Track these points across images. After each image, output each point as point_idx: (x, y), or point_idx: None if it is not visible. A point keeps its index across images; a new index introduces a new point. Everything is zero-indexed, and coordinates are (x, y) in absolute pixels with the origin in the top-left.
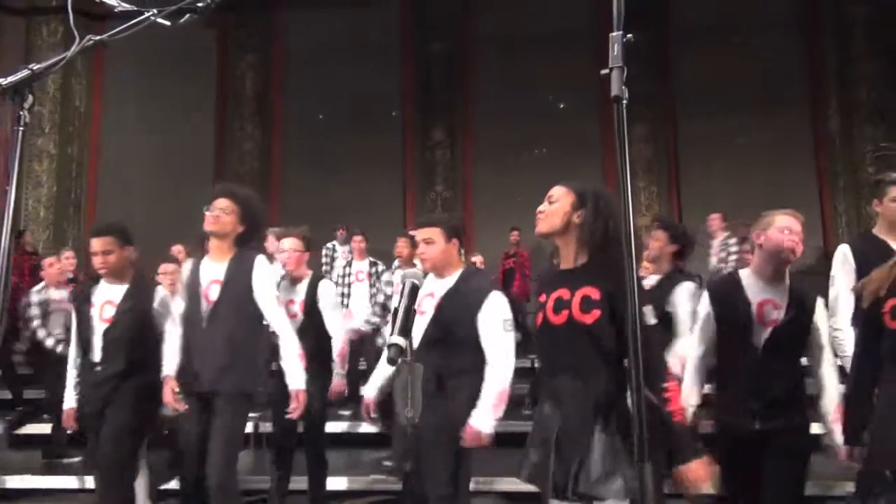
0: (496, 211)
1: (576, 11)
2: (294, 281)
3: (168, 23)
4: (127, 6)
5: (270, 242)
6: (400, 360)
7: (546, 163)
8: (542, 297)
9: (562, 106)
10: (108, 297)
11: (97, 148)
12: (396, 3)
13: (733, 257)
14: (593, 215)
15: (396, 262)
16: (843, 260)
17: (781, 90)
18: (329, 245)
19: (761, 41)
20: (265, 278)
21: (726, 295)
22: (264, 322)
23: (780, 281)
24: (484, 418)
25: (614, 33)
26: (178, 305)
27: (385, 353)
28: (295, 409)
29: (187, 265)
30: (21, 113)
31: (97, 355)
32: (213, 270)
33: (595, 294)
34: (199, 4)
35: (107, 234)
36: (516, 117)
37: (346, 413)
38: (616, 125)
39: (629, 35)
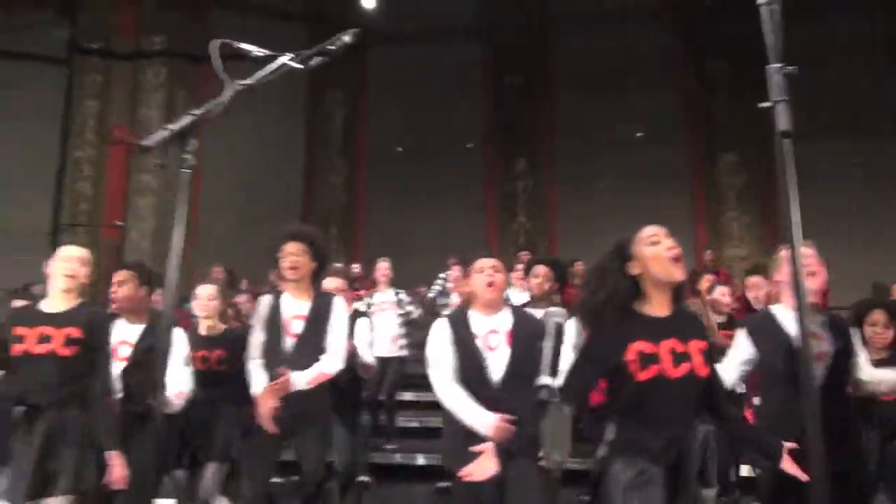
0: (579, 240)
1: (655, 40)
2: None
3: (301, 66)
4: (263, 52)
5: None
6: (550, 402)
7: (629, 191)
8: (649, 347)
9: (639, 135)
10: (123, 337)
11: (199, 183)
12: (477, 39)
13: None
14: None
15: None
16: None
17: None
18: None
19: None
20: (341, 316)
21: (766, 332)
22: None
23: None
24: None
25: (772, 65)
26: (256, 336)
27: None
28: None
29: (265, 299)
30: (185, 156)
31: (117, 394)
32: (296, 307)
33: (705, 346)
34: (330, 48)
35: (128, 268)
36: (597, 146)
37: (392, 447)
38: (778, 160)
39: (790, 67)
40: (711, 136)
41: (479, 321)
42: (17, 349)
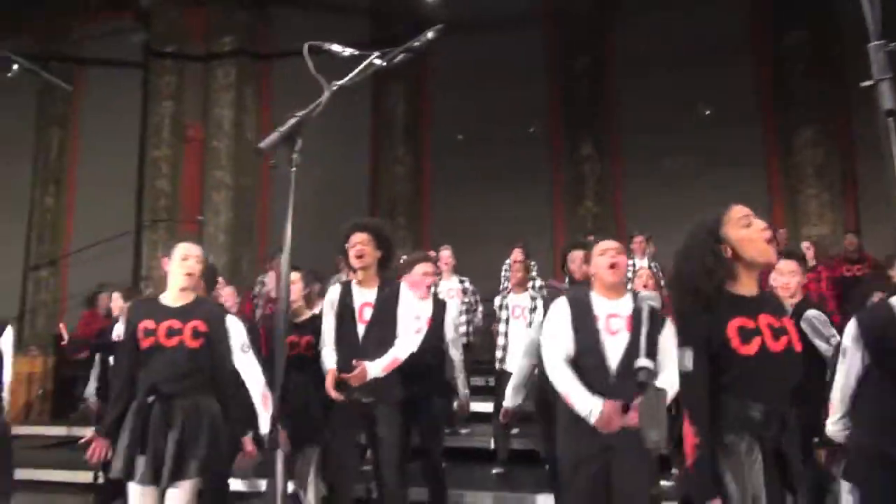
0: (648, 224)
1: (726, 15)
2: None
3: (385, 63)
4: (349, 51)
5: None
6: (648, 384)
7: (700, 171)
8: (749, 322)
9: (707, 112)
10: None
11: (267, 177)
12: (540, 22)
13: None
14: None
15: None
16: None
17: None
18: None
19: None
20: (408, 302)
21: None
22: None
23: None
24: None
25: (873, 43)
26: (327, 323)
27: (637, 377)
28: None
29: (335, 288)
30: (293, 156)
31: None
32: (364, 295)
33: (794, 325)
34: (415, 44)
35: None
36: (666, 126)
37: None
38: (883, 139)
39: (893, 44)
40: (787, 111)
41: (600, 304)
42: (147, 342)
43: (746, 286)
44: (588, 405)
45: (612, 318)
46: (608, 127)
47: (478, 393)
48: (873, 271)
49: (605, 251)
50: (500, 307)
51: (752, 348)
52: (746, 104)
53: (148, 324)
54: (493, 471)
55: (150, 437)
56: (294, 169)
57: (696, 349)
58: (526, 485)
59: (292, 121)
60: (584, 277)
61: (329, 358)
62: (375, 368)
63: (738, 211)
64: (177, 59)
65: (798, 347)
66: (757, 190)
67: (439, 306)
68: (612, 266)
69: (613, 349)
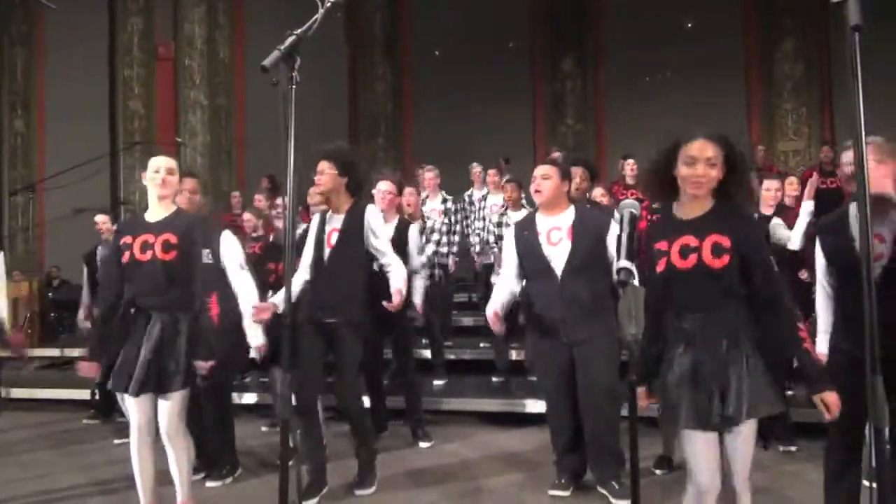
0: (630, 141)
1: None
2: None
3: None
4: None
5: None
6: (628, 283)
7: (681, 86)
8: (663, 245)
9: (689, 25)
10: None
11: (242, 96)
12: None
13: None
14: (742, 170)
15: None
16: None
17: None
18: None
19: None
20: (375, 223)
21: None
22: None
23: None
24: None
25: None
26: (306, 249)
27: (616, 277)
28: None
29: (316, 217)
30: (293, 74)
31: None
32: (334, 221)
33: (725, 242)
34: None
35: (193, 176)
36: (647, 40)
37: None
38: (849, 57)
39: None
40: (768, 27)
41: (542, 221)
42: (125, 257)
43: (687, 209)
44: (488, 307)
45: (553, 231)
46: (590, 42)
47: (464, 308)
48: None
49: (533, 179)
50: (500, 224)
51: (660, 266)
52: (728, 18)
53: (126, 239)
54: (493, 379)
55: (133, 350)
56: (294, 87)
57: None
58: (517, 392)
59: (291, 39)
60: (579, 194)
61: (296, 281)
62: (400, 282)
63: (694, 149)
64: None
65: (714, 263)
66: (736, 105)
67: (402, 227)
68: (536, 192)
69: (556, 257)
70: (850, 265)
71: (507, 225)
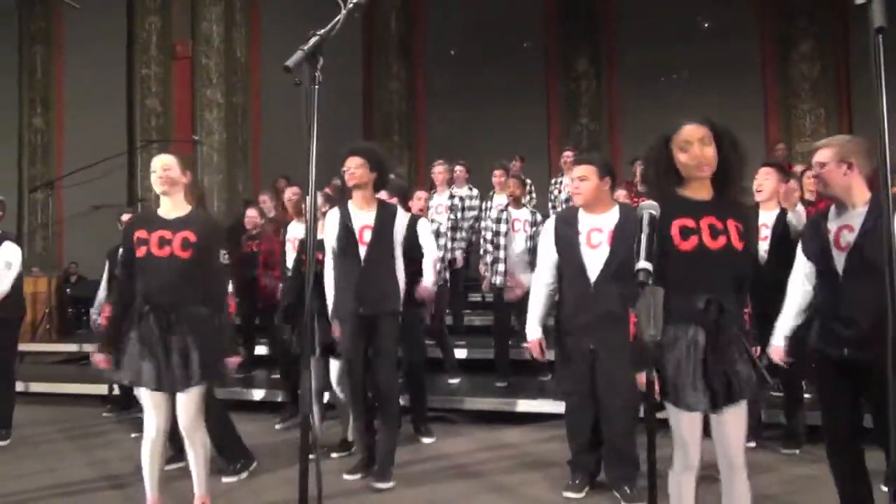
0: (644, 140)
1: None
2: None
3: None
4: None
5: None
6: (647, 284)
7: (696, 86)
8: (689, 222)
9: (706, 25)
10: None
11: (258, 95)
12: None
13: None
14: (737, 157)
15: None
16: None
17: None
18: None
19: None
20: (402, 223)
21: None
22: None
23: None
24: None
25: None
26: (327, 244)
27: (637, 278)
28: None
29: (334, 211)
30: (315, 74)
31: None
32: (363, 217)
33: (741, 226)
34: None
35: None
36: (662, 40)
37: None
38: (873, 59)
39: None
40: (786, 27)
41: (584, 219)
42: (140, 251)
43: (697, 191)
44: (528, 330)
45: (594, 233)
46: (604, 42)
47: (475, 308)
48: None
49: (573, 179)
50: (498, 220)
51: (689, 245)
52: (745, 19)
53: (141, 233)
54: (497, 384)
55: (147, 345)
56: (317, 86)
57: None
58: (517, 391)
59: (314, 39)
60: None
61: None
62: (431, 289)
63: (684, 134)
64: None
65: (739, 246)
66: (753, 106)
67: (412, 222)
68: (576, 194)
69: (593, 262)
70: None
71: (506, 222)
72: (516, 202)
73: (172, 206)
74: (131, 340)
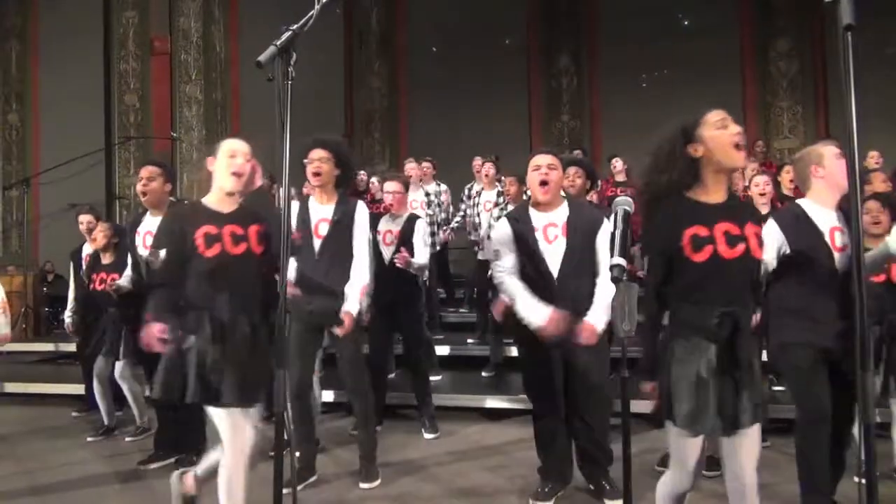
0: (625, 139)
1: None
2: (394, 217)
3: None
4: None
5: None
6: (621, 280)
7: (676, 84)
8: (702, 231)
9: (686, 23)
10: (149, 228)
11: (238, 91)
12: None
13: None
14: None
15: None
16: None
17: None
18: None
19: None
20: (363, 219)
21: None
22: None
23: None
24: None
25: None
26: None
27: (609, 273)
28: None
29: (295, 203)
30: (289, 69)
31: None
32: (321, 211)
33: (759, 231)
34: None
35: (156, 165)
36: (643, 38)
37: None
38: (842, 56)
39: None
40: (764, 25)
41: (537, 217)
42: (213, 249)
43: (712, 192)
44: (537, 313)
45: (550, 228)
46: (585, 40)
47: (459, 305)
48: None
49: (538, 167)
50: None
51: (703, 256)
52: (724, 14)
53: (209, 229)
54: (483, 374)
55: (204, 355)
56: (290, 82)
57: (652, 257)
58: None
59: (287, 35)
60: (578, 192)
61: (291, 270)
62: (353, 306)
63: (717, 114)
64: None
65: (758, 255)
66: (732, 103)
67: (410, 220)
68: (543, 184)
69: (552, 256)
70: (818, 257)
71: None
72: (515, 201)
73: (228, 199)
74: (194, 353)
